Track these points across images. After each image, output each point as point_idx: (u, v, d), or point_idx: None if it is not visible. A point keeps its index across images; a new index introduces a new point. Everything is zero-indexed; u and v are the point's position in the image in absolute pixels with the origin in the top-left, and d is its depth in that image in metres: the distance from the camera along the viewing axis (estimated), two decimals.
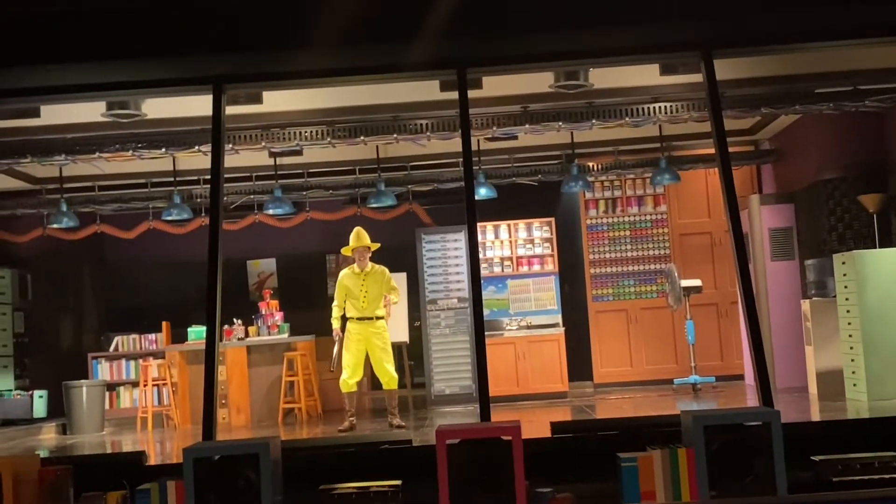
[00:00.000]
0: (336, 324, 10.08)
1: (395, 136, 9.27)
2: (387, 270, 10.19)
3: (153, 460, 8.42)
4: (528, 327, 12.31)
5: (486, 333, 6.17)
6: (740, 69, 8.05)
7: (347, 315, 10.05)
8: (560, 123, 9.19)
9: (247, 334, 11.92)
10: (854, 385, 9.34)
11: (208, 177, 6.79)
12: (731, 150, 6.70)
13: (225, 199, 10.20)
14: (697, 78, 6.89)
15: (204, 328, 7.85)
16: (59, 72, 6.35)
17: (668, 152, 11.32)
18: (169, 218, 11.49)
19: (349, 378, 9.94)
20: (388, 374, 9.94)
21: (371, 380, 11.53)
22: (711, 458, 4.67)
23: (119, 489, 5.02)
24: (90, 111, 7.91)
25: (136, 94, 7.10)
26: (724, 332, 12.30)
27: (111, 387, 12.82)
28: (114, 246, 13.45)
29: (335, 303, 10.13)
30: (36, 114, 7.70)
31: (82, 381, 11.69)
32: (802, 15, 6.21)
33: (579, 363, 12.56)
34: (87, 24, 6.26)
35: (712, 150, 7.57)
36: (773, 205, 11.41)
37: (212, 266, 6.13)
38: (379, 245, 10.23)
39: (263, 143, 9.28)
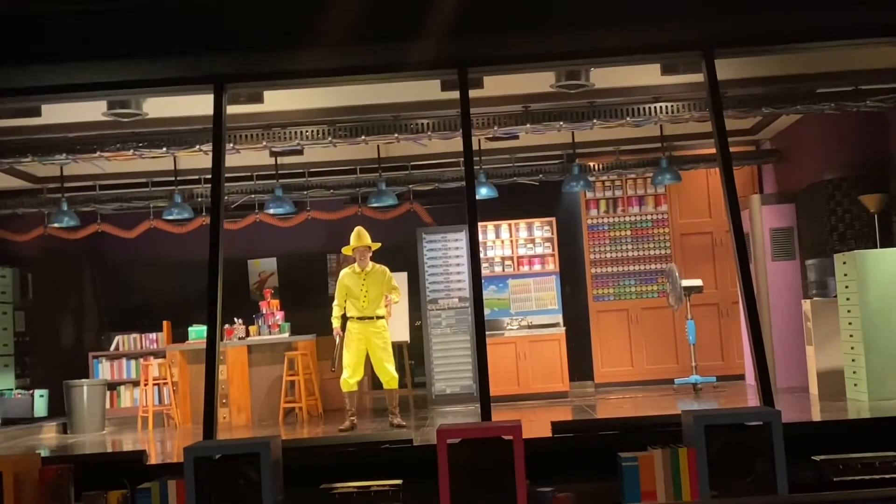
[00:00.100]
0: (336, 323, 10.09)
1: (395, 135, 9.27)
2: (387, 270, 10.19)
3: (154, 459, 8.42)
4: (529, 327, 12.31)
5: (486, 333, 6.16)
6: (741, 69, 8.05)
7: (348, 314, 10.05)
8: (561, 123, 9.19)
9: (247, 334, 11.92)
10: (855, 385, 9.34)
11: (209, 176, 6.79)
12: (732, 149, 6.69)
13: (226, 198, 10.21)
14: (698, 78, 6.88)
15: (205, 327, 7.87)
16: (60, 71, 6.35)
17: (669, 152, 11.33)
18: (170, 217, 11.50)
19: (350, 377, 9.94)
20: (389, 374, 9.94)
21: (372, 379, 11.54)
22: (712, 457, 4.66)
23: (120, 488, 5.02)
24: (91, 110, 7.91)
25: (137, 93, 7.10)
26: (725, 332, 12.30)
27: (112, 386, 12.83)
28: (115, 245, 13.45)
29: (335, 302, 10.13)
30: (37, 113, 7.69)
31: (83, 380, 11.70)
32: (803, 15, 6.21)
33: (580, 363, 12.56)
34: (88, 23, 6.25)
35: (713, 150, 7.58)
36: (774, 205, 11.41)
37: (212, 265, 6.13)
38: (380, 245, 10.23)
39: (264, 143, 9.28)
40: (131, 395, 12.97)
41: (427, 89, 7.72)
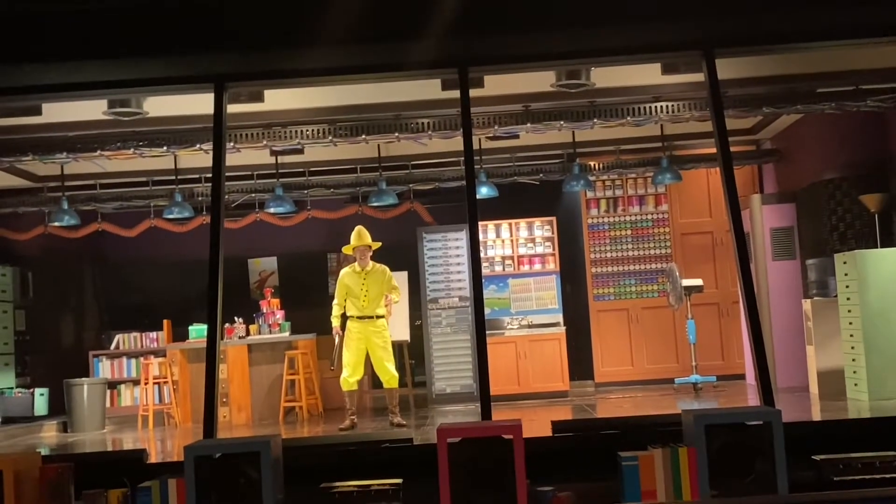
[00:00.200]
0: (336, 322, 10.09)
1: (396, 134, 9.27)
2: (387, 269, 10.19)
3: (154, 458, 8.42)
4: (529, 326, 12.32)
5: (487, 332, 6.16)
6: (742, 69, 8.05)
7: (348, 314, 10.06)
8: (561, 122, 9.19)
9: (248, 333, 11.92)
10: (855, 385, 9.34)
11: (209, 175, 6.79)
12: (732, 149, 6.69)
13: (226, 197, 10.21)
14: (699, 77, 6.89)
15: (205, 326, 7.87)
16: (60, 70, 6.35)
17: (669, 152, 11.33)
18: (170, 216, 11.50)
19: (350, 377, 9.94)
20: (389, 373, 9.94)
21: (372, 378, 11.54)
22: (712, 457, 4.67)
23: (120, 487, 5.02)
24: (92, 109, 7.92)
25: (137, 92, 7.10)
26: (725, 332, 12.31)
27: (112, 385, 12.84)
28: (115, 244, 13.45)
29: (335, 301, 10.13)
30: (37, 112, 7.69)
31: (83, 378, 11.70)
32: (804, 14, 6.21)
33: (580, 362, 12.57)
34: (89, 21, 6.25)
35: (714, 150, 7.57)
36: (775, 204, 11.41)
37: (213, 264, 6.13)
38: (380, 244, 10.23)
39: (265, 142, 9.28)
40: (132, 394, 12.98)
41: (427, 89, 7.72)
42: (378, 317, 10.00)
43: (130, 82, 6.57)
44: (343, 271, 10.20)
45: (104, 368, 13.09)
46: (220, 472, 4.70)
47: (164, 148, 9.20)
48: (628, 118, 9.15)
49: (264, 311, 12.07)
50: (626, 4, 6.26)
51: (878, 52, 7.70)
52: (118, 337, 13.41)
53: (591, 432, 5.79)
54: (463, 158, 6.45)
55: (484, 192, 11.00)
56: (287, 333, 11.94)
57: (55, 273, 13.48)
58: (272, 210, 11.64)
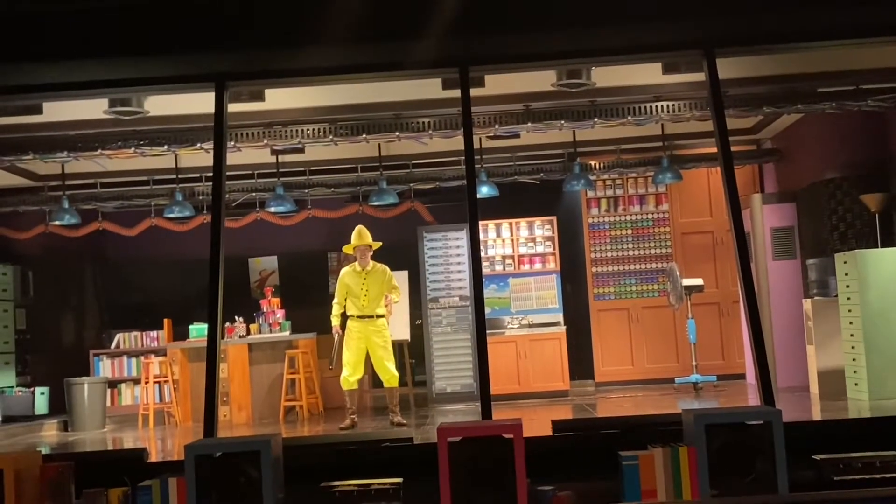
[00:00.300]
0: (336, 321, 10.09)
1: (397, 134, 9.27)
2: (388, 269, 10.19)
3: (154, 457, 8.42)
4: (530, 326, 12.32)
5: (487, 332, 6.16)
6: (742, 68, 8.04)
7: (348, 313, 10.06)
8: (562, 122, 9.19)
9: (248, 332, 11.92)
10: (855, 384, 9.34)
11: (210, 174, 6.79)
12: (733, 149, 6.69)
13: (227, 196, 10.20)
14: (700, 77, 6.89)
15: (205, 325, 7.87)
16: (61, 69, 6.36)
17: (670, 151, 11.32)
18: (171, 215, 11.50)
19: (350, 376, 9.94)
20: (389, 373, 9.94)
21: (372, 378, 11.54)
22: (713, 456, 4.67)
23: (120, 486, 5.02)
24: (93, 108, 7.92)
25: (138, 91, 7.11)
26: (726, 331, 12.31)
27: (112, 384, 12.85)
28: (116, 243, 13.46)
29: (335, 300, 10.13)
30: (38, 111, 7.69)
31: (84, 377, 11.71)
32: (805, 14, 6.21)
33: (581, 362, 12.57)
34: (89, 21, 6.26)
35: (714, 149, 7.58)
36: (775, 204, 11.41)
37: (213, 263, 6.14)
38: (381, 244, 10.24)
39: (265, 141, 9.28)
40: (132, 393, 12.99)
41: (428, 88, 7.72)
42: (378, 316, 10.00)
43: (131, 81, 6.58)
44: (343, 271, 10.21)
45: (105, 367, 13.10)
46: (220, 471, 4.71)
47: (165, 147, 9.20)
48: (629, 118, 9.15)
49: (265, 310, 12.07)
50: (626, 4, 6.26)
51: (878, 52, 7.70)
52: (119, 336, 13.41)
53: (592, 432, 5.79)
54: (463, 158, 6.46)
55: (484, 191, 11.00)
56: (287, 333, 11.94)
57: (56, 272, 13.49)
58: (273, 209, 11.65)
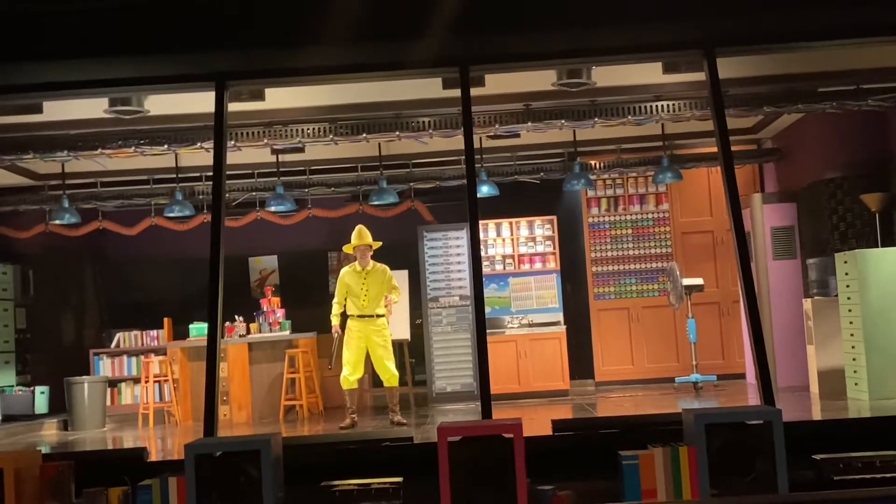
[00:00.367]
0: (336, 321, 10.09)
1: (397, 133, 9.27)
2: (388, 269, 10.19)
3: (154, 456, 8.42)
4: (530, 325, 12.31)
5: (487, 331, 6.17)
6: (743, 68, 8.05)
7: (348, 312, 10.06)
8: (562, 121, 9.19)
9: (248, 331, 11.92)
10: (855, 384, 9.34)
11: (210, 173, 6.80)
12: (733, 148, 6.69)
13: (227, 195, 10.21)
14: (700, 76, 6.89)
15: (205, 325, 7.86)
16: (61, 68, 6.36)
17: (670, 151, 11.32)
18: (171, 214, 11.50)
19: (350, 375, 9.95)
20: (389, 372, 9.94)
21: (372, 377, 11.54)
22: (713, 456, 4.67)
23: (120, 485, 5.03)
24: (93, 108, 7.92)
25: (138, 90, 7.11)
26: (726, 331, 12.30)
27: (112, 383, 12.85)
28: (116, 242, 13.46)
29: (335, 300, 10.13)
30: (39, 110, 7.69)
31: (84, 377, 11.70)
32: (805, 14, 6.22)
33: (581, 361, 12.56)
34: (90, 20, 6.26)
35: (714, 149, 7.59)
36: (775, 203, 11.41)
37: (213, 263, 6.14)
38: (381, 243, 10.23)
39: (266, 140, 9.28)
40: (132, 392, 12.99)
41: (428, 87, 7.73)
42: (378, 316, 10.00)
43: (131, 80, 6.59)
44: (343, 270, 10.21)
45: (105, 367, 13.10)
46: (220, 470, 4.71)
47: (165, 146, 9.20)
48: (629, 117, 9.14)
49: (265, 309, 12.07)
50: (626, 4, 6.27)
51: (878, 52, 7.70)
52: (119, 335, 13.41)
53: (592, 431, 5.80)
54: (464, 157, 6.47)
55: (485, 190, 11.00)
56: (287, 332, 11.94)
57: (56, 271, 13.49)
58: (273, 208, 11.64)
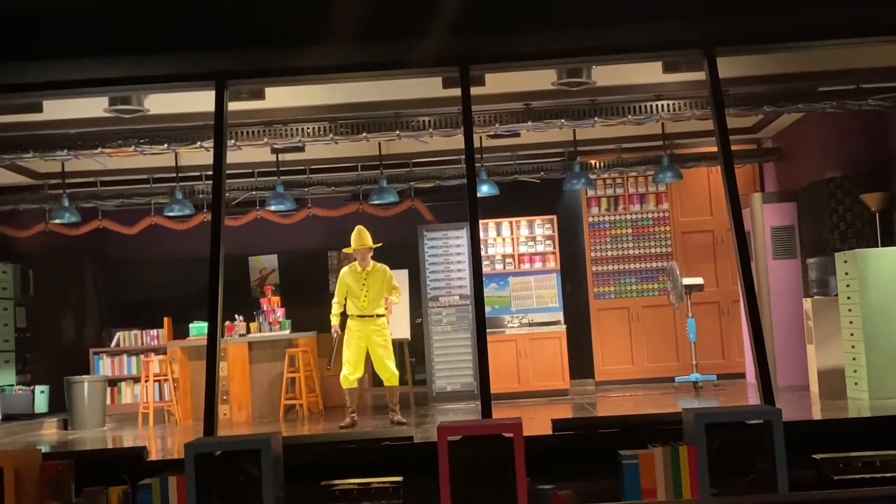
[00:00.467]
0: (335, 321, 10.09)
1: (397, 132, 9.27)
2: (388, 269, 10.18)
3: (154, 456, 8.43)
4: (530, 325, 12.31)
5: (487, 331, 6.17)
6: (743, 67, 8.05)
7: (348, 312, 10.06)
8: (563, 121, 9.19)
9: (248, 330, 11.92)
10: (855, 384, 9.34)
11: (210, 173, 6.79)
12: (733, 148, 6.69)
13: (227, 195, 10.21)
14: (700, 76, 6.89)
15: (205, 324, 7.86)
16: (61, 67, 6.36)
17: (670, 150, 11.32)
18: (171, 214, 11.50)
19: (350, 374, 9.95)
20: (390, 371, 9.94)
21: (372, 376, 11.54)
22: (713, 455, 4.67)
23: (120, 484, 5.03)
24: (93, 107, 7.92)
25: (138, 89, 7.12)
26: (726, 331, 12.31)
27: (112, 382, 12.85)
28: (116, 241, 13.45)
29: (335, 300, 10.13)
30: (38, 109, 7.70)
31: (84, 376, 11.71)
32: (805, 13, 6.21)
33: (581, 361, 12.57)
34: (90, 19, 6.26)
35: (715, 149, 7.59)
36: (776, 203, 11.41)
37: (213, 262, 6.14)
38: (381, 244, 10.21)
39: (266, 140, 9.28)
40: (132, 392, 12.99)
41: (428, 86, 7.73)
42: (378, 316, 10.00)
43: (131, 79, 6.58)
44: (344, 270, 10.20)
45: (104, 366, 13.09)
46: (220, 469, 4.71)
47: (165, 145, 9.21)
48: (629, 116, 9.15)
49: (265, 308, 12.07)
50: (626, 3, 6.26)
51: (878, 51, 7.70)
52: (119, 334, 13.41)
53: (592, 431, 5.80)
54: (464, 156, 6.46)
55: (485, 190, 11.00)
56: (287, 331, 11.94)
57: (56, 270, 13.48)
58: (273, 208, 11.64)
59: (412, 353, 12.21)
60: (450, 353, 12.03)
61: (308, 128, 9.22)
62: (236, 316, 11.88)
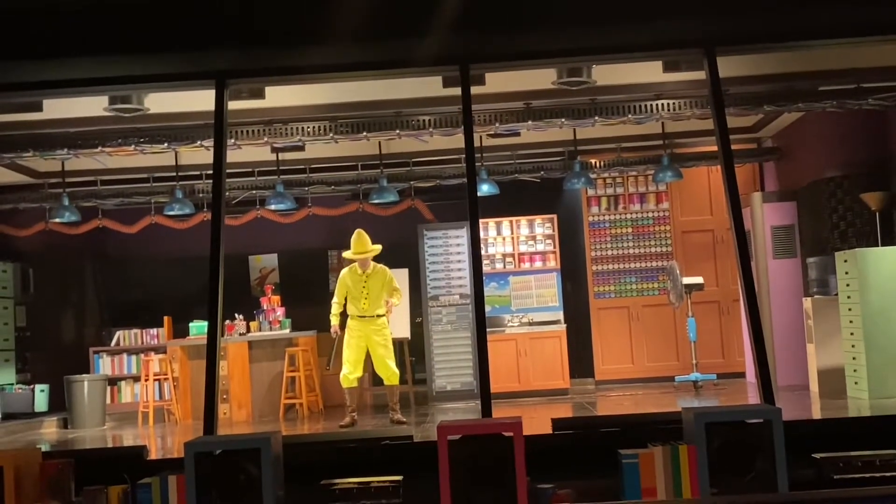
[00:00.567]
0: (335, 321, 10.08)
1: (397, 131, 9.27)
2: (388, 270, 10.16)
3: (154, 455, 8.43)
4: (530, 324, 12.31)
5: (487, 330, 6.16)
6: (743, 66, 8.05)
7: (348, 312, 10.05)
8: (563, 120, 9.19)
9: (248, 329, 11.92)
10: (855, 383, 9.34)
11: (210, 172, 6.79)
12: (733, 147, 6.69)
13: (227, 194, 10.21)
14: (700, 75, 6.89)
15: (205, 323, 7.88)
16: (61, 66, 6.35)
17: (670, 149, 11.33)
18: (171, 213, 11.50)
19: (350, 374, 9.95)
20: (390, 371, 9.94)
21: (372, 375, 11.54)
22: (713, 455, 4.67)
23: (120, 483, 5.03)
24: (93, 106, 7.92)
25: (138, 88, 7.11)
26: (726, 330, 12.31)
27: (112, 381, 12.85)
28: (116, 240, 13.45)
29: (335, 300, 10.11)
30: (39, 108, 7.70)
31: (83, 375, 11.71)
32: (805, 12, 6.21)
33: (581, 360, 12.57)
34: (89, 18, 6.25)
35: (715, 148, 7.58)
36: (776, 202, 11.41)
37: (213, 261, 6.13)
38: (380, 248, 10.14)
39: (266, 139, 9.28)
40: (132, 391, 12.99)
41: (428, 86, 7.73)
42: (378, 316, 10.00)
43: (131, 79, 6.58)
44: (344, 272, 10.18)
45: (104, 365, 13.09)
46: (220, 468, 4.71)
47: (165, 144, 9.21)
48: (629, 116, 9.14)
49: (265, 307, 12.07)
50: (627, 2, 6.26)
51: (879, 51, 7.70)
52: (119, 333, 13.41)
53: (592, 430, 5.79)
54: (464, 156, 6.46)
55: (485, 189, 11.00)
56: (287, 330, 11.94)
57: (56, 269, 13.48)
58: (273, 207, 11.64)
59: (412, 352, 12.21)
60: (450, 353, 12.03)
61: (308, 127, 9.22)
62: (236, 315, 11.88)
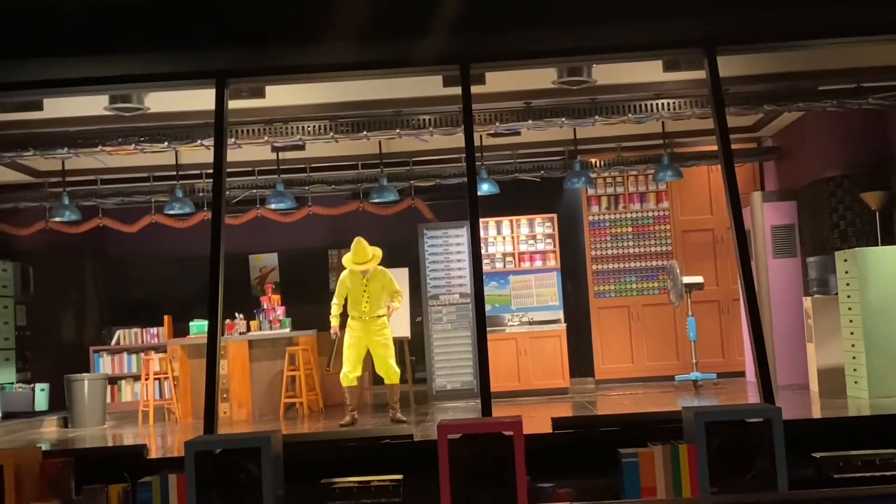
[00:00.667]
0: (335, 321, 10.07)
1: (397, 131, 9.27)
2: (388, 272, 10.14)
3: (154, 454, 8.43)
4: (530, 323, 12.32)
5: (487, 329, 6.17)
6: (743, 66, 8.05)
7: (349, 313, 10.04)
8: (563, 119, 9.19)
9: (248, 329, 11.93)
10: (855, 382, 9.34)
11: (210, 171, 6.80)
12: (733, 146, 6.69)
13: (227, 193, 10.21)
14: (700, 75, 6.89)
15: (206, 322, 7.88)
16: (61, 65, 6.36)
17: (670, 149, 11.33)
18: (171, 212, 11.50)
19: (350, 373, 9.95)
20: (391, 369, 9.94)
21: (372, 375, 11.54)
22: (712, 454, 4.67)
23: (120, 482, 5.03)
24: (93, 105, 7.92)
25: (138, 87, 7.11)
26: (726, 329, 12.31)
27: (113, 380, 12.84)
28: (116, 240, 13.46)
29: (335, 301, 10.10)
30: (39, 107, 7.70)
31: (84, 374, 11.71)
32: (806, 12, 6.22)
33: (581, 359, 12.57)
34: (89, 17, 6.26)
35: (715, 147, 7.57)
36: (776, 202, 11.41)
37: (214, 260, 6.14)
38: (380, 255, 10.10)
39: (266, 138, 9.28)
40: (132, 390, 12.99)
41: (429, 85, 7.73)
42: (379, 316, 9.99)
43: (131, 78, 6.58)
44: (344, 274, 10.15)
45: (105, 364, 13.09)
46: (220, 467, 4.71)
47: (165, 143, 9.21)
48: (629, 115, 9.14)
49: (265, 307, 12.07)
50: (627, 2, 6.27)
51: (879, 50, 7.70)
52: (119, 332, 13.41)
53: (592, 429, 5.80)
54: (464, 155, 6.46)
55: (485, 188, 11.00)
56: (288, 329, 11.94)
57: (56, 268, 13.48)
58: (273, 206, 11.64)
59: (412, 351, 12.21)
60: (450, 352, 12.04)
61: (308, 126, 9.22)
62: (236, 314, 11.89)
